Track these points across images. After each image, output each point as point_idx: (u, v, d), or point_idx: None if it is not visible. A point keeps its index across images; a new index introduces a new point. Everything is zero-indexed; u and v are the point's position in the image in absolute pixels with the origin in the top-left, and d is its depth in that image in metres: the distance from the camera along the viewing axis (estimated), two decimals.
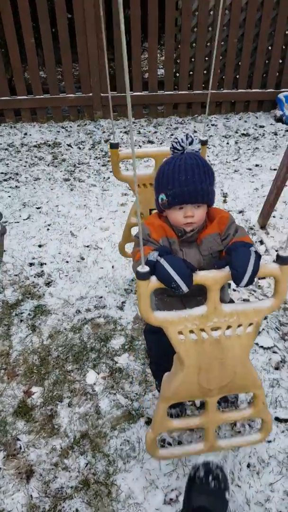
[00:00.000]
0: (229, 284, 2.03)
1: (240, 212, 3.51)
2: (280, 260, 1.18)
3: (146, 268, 1.13)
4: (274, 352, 2.15)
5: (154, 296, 1.54)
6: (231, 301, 1.62)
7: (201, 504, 1.16)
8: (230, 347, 1.26)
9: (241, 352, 1.29)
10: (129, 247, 2.59)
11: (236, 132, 5.32)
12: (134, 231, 2.48)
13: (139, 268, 1.13)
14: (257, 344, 2.19)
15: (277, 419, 1.82)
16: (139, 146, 4.90)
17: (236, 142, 5.04)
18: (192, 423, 1.47)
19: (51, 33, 4.82)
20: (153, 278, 1.16)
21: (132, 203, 2.40)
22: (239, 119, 5.72)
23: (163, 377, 1.42)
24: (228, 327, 1.25)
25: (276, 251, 2.92)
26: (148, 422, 1.82)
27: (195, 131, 5.34)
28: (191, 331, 1.23)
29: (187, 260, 1.27)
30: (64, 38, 4.87)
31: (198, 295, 1.36)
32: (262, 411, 1.46)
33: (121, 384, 2.01)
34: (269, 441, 1.74)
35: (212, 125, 5.55)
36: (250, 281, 1.15)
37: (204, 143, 2.04)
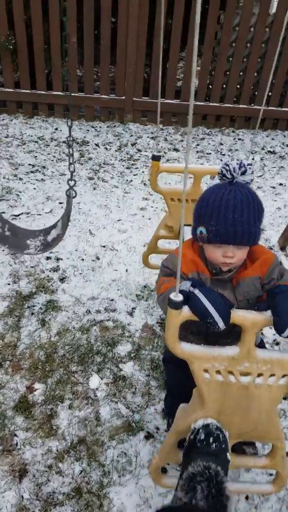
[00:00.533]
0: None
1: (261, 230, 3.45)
2: None
3: (180, 297, 1.03)
4: None
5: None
6: (262, 343, 1.50)
7: (205, 464, 1.07)
8: (257, 397, 1.15)
9: (269, 404, 1.17)
10: (154, 259, 2.61)
11: (263, 149, 5.28)
12: (160, 244, 2.45)
13: (172, 296, 1.03)
14: None
15: None
16: (164, 152, 4.89)
17: (261, 159, 5.00)
18: None
19: (93, 34, 4.85)
20: (186, 308, 1.07)
21: (164, 214, 2.36)
22: (267, 136, 5.67)
23: (179, 408, 1.31)
24: (259, 374, 1.13)
25: None
26: (148, 436, 1.79)
27: (221, 143, 5.31)
28: (218, 372, 1.13)
29: None
30: (105, 41, 4.90)
31: (227, 337, 1.24)
32: (279, 464, 1.33)
33: (124, 393, 1.97)
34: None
35: (239, 139, 5.51)
36: None
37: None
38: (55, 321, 2.36)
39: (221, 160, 4.92)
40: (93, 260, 2.91)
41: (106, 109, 5.42)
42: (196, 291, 1.06)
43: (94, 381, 2.02)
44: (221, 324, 1.04)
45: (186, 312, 1.07)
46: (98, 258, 2.94)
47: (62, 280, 2.69)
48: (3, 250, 2.87)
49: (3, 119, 5.08)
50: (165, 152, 4.91)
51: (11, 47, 4.64)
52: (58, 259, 2.88)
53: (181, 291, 1.05)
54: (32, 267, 2.78)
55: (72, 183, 2.07)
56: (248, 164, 1.20)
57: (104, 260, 2.92)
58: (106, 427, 1.82)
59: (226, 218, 1.15)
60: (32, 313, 2.39)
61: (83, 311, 2.44)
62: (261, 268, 1.26)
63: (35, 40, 4.77)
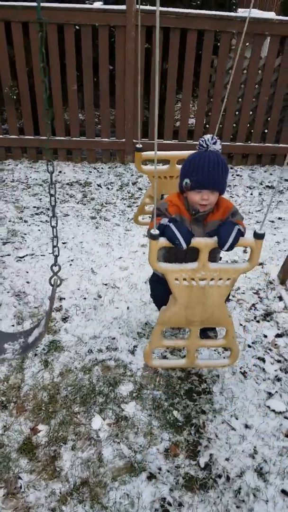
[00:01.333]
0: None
1: (260, 264, 3.53)
2: (256, 235, 1.57)
3: (157, 232, 1.55)
4: (286, 417, 2.11)
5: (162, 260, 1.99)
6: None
7: None
8: (211, 294, 1.69)
9: (219, 298, 1.72)
10: (142, 218, 3.18)
11: (261, 184, 5.43)
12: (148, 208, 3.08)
13: (152, 231, 1.54)
14: (268, 407, 2.15)
15: (284, 492, 1.76)
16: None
17: (260, 194, 5.14)
18: (179, 343, 1.99)
19: (93, 81, 5.15)
20: (161, 239, 1.57)
21: (147, 189, 2.97)
22: (265, 172, 5.85)
23: (161, 309, 1.85)
24: (212, 279, 1.66)
25: None
26: (150, 477, 1.80)
27: None
28: (184, 279, 1.66)
29: (195, 234, 1.65)
30: (104, 88, 5.19)
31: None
32: (231, 342, 1.90)
33: (126, 434, 2.00)
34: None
35: (237, 175, 5.69)
36: (230, 248, 1.57)
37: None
38: (58, 361, 2.41)
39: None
40: (95, 299, 2.99)
41: (108, 151, 5.66)
42: (170, 224, 1.58)
43: (97, 422, 2.05)
44: (184, 245, 1.55)
45: (161, 241, 1.58)
46: (100, 296, 3.01)
47: (64, 319, 2.76)
48: (8, 292, 2.97)
49: (8, 164, 5.33)
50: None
51: (14, 97, 4.93)
52: (61, 299, 2.96)
53: (161, 224, 1.60)
54: (35, 307, 2.86)
55: (56, 268, 1.91)
56: (218, 138, 1.75)
57: (105, 298, 2.99)
58: (108, 468, 1.84)
59: (203, 171, 1.67)
60: (36, 354, 2.45)
61: (85, 351, 2.49)
62: (222, 214, 1.80)
63: (37, 89, 5.06)
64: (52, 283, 1.95)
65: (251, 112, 5.73)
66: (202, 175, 1.67)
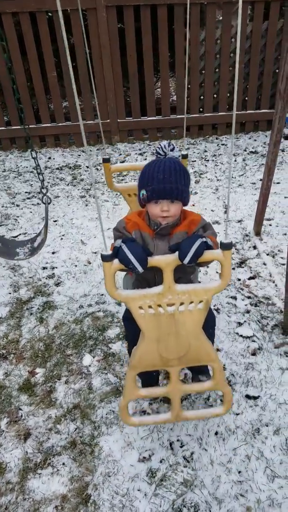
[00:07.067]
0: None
1: (239, 221, 3.74)
2: (222, 246, 1.33)
3: (109, 252, 1.37)
4: (253, 341, 2.35)
5: (133, 286, 1.85)
6: None
7: None
8: (183, 320, 1.44)
9: (194, 325, 1.45)
10: None
11: (245, 151, 5.59)
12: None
13: (103, 252, 1.36)
14: (237, 333, 2.39)
15: (247, 396, 2.02)
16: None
17: (243, 160, 5.31)
18: (158, 391, 1.63)
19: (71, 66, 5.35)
20: (115, 261, 1.37)
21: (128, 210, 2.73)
22: (249, 138, 6.00)
23: (132, 350, 1.60)
24: (181, 303, 1.41)
25: (267, 254, 3.12)
26: None
27: (205, 151, 5.66)
28: (150, 307, 1.42)
29: (158, 250, 1.54)
30: (83, 71, 5.39)
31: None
32: (220, 383, 1.58)
33: (113, 366, 2.26)
34: (237, 414, 1.93)
35: (222, 144, 5.85)
36: (192, 260, 1.35)
37: (184, 156, 2.33)
38: (52, 317, 2.68)
39: (206, 165, 5.27)
40: (85, 265, 3.24)
41: (94, 133, 5.87)
42: (123, 246, 1.38)
43: (87, 359, 2.32)
44: (140, 269, 1.36)
45: (116, 264, 1.38)
46: (89, 263, 3.27)
47: (57, 284, 3.03)
48: (4, 266, 3.24)
49: None
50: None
51: None
52: (53, 268, 3.22)
53: (115, 247, 1.40)
54: (30, 277, 3.12)
55: (44, 190, 2.40)
56: (174, 144, 1.62)
57: (95, 264, 3.25)
58: (97, 393, 2.10)
59: (158, 179, 1.51)
60: (31, 313, 2.72)
61: (76, 307, 2.76)
62: (189, 226, 1.59)
63: (17, 79, 5.27)
64: (44, 201, 2.47)
65: (230, 82, 5.87)
66: (158, 183, 1.50)
